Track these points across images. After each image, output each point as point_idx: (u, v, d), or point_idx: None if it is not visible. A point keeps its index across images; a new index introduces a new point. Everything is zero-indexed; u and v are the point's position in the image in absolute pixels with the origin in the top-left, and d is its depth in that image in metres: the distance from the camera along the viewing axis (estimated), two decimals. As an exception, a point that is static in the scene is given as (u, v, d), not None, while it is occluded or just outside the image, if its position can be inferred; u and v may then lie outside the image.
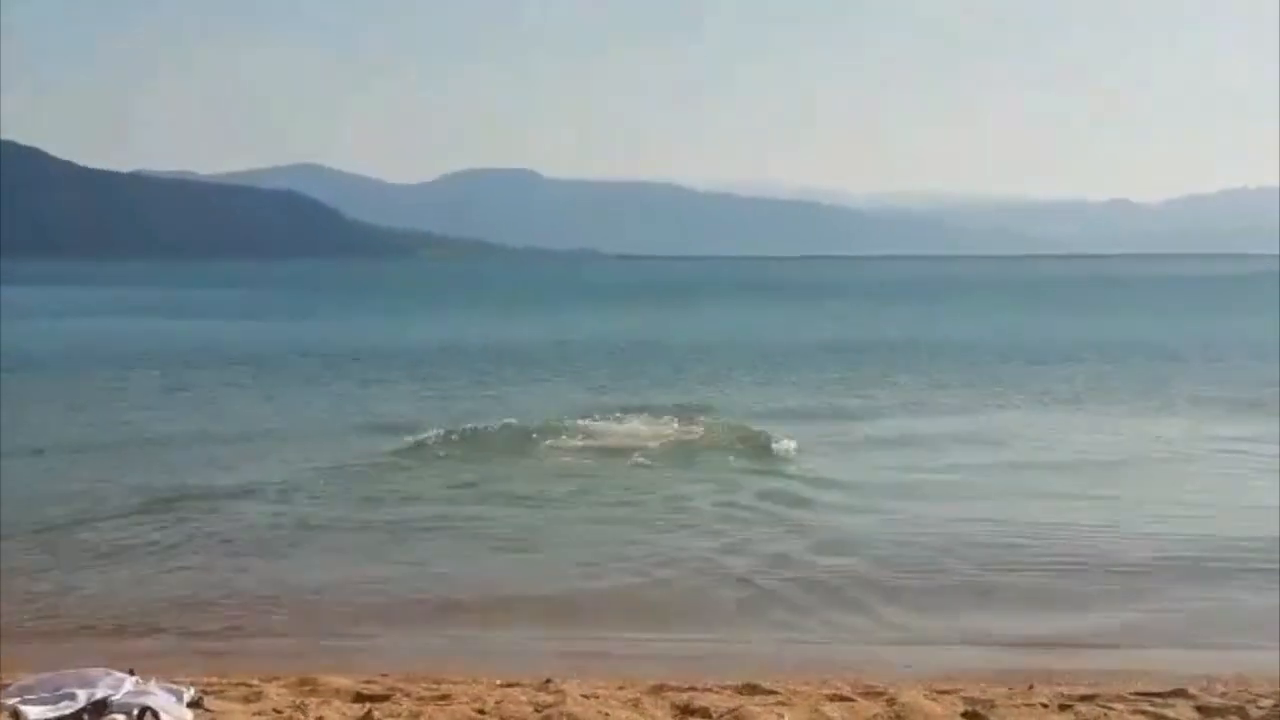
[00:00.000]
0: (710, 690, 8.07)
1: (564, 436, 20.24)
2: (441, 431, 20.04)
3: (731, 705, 7.68)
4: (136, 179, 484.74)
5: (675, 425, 21.37)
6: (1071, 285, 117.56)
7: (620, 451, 18.86)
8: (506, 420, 21.48)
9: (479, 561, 12.45)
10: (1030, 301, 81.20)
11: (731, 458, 18.55)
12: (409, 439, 19.65)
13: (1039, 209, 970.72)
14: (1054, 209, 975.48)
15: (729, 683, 8.27)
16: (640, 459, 18.30)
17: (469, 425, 20.84)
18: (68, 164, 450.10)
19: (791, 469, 17.53)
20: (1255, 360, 33.97)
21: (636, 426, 21.20)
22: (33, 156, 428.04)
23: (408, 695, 7.94)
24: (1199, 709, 7.69)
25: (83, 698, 6.86)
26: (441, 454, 18.85)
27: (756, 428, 20.73)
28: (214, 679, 8.23)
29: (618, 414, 22.67)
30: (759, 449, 18.91)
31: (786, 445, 18.95)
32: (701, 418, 22.27)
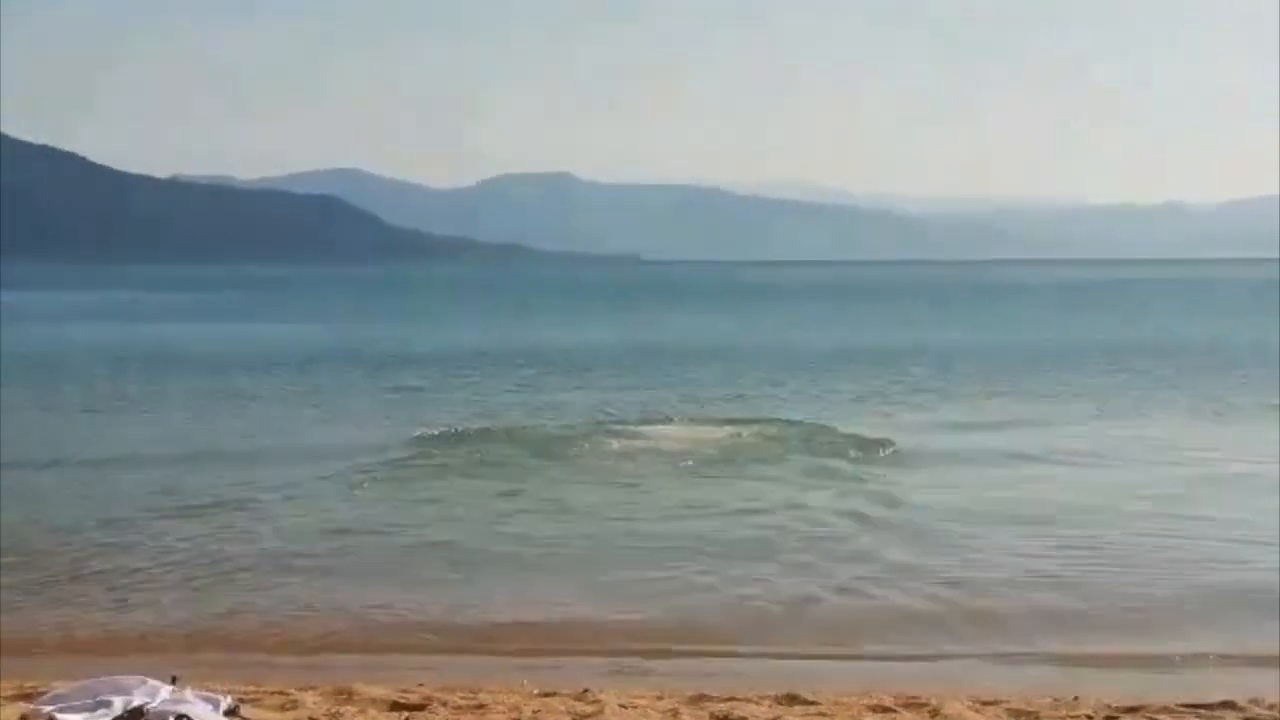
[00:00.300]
0: (750, 700, 7.99)
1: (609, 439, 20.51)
2: (483, 427, 20.27)
3: (772, 715, 7.60)
4: (174, 184, 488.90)
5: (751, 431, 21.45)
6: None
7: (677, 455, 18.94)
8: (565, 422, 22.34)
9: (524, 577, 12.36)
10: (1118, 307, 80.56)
11: (824, 461, 18.57)
12: (464, 449, 19.77)
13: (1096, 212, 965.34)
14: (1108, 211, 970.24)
15: (770, 692, 8.18)
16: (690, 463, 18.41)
17: (540, 425, 21.13)
18: (105, 169, 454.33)
19: (891, 480, 17.18)
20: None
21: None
22: (71, 161, 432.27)
23: (444, 704, 7.89)
24: (1245, 721, 7.56)
25: (119, 705, 6.85)
26: (494, 459, 18.94)
27: (849, 433, 20.68)
28: (251, 687, 8.19)
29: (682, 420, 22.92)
30: (857, 458, 18.59)
31: (887, 453, 18.86)
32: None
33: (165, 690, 7.08)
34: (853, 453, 18.90)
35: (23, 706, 7.10)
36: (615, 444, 19.80)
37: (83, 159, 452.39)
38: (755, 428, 21.66)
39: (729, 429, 21.43)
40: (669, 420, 22.50)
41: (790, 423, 22.20)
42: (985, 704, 8.01)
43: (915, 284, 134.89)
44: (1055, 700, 8.11)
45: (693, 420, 22.81)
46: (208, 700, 7.12)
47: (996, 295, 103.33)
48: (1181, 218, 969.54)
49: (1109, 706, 7.96)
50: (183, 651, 9.68)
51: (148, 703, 6.90)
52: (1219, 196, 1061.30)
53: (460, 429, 21.54)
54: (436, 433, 21.12)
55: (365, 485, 16.46)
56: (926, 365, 35.26)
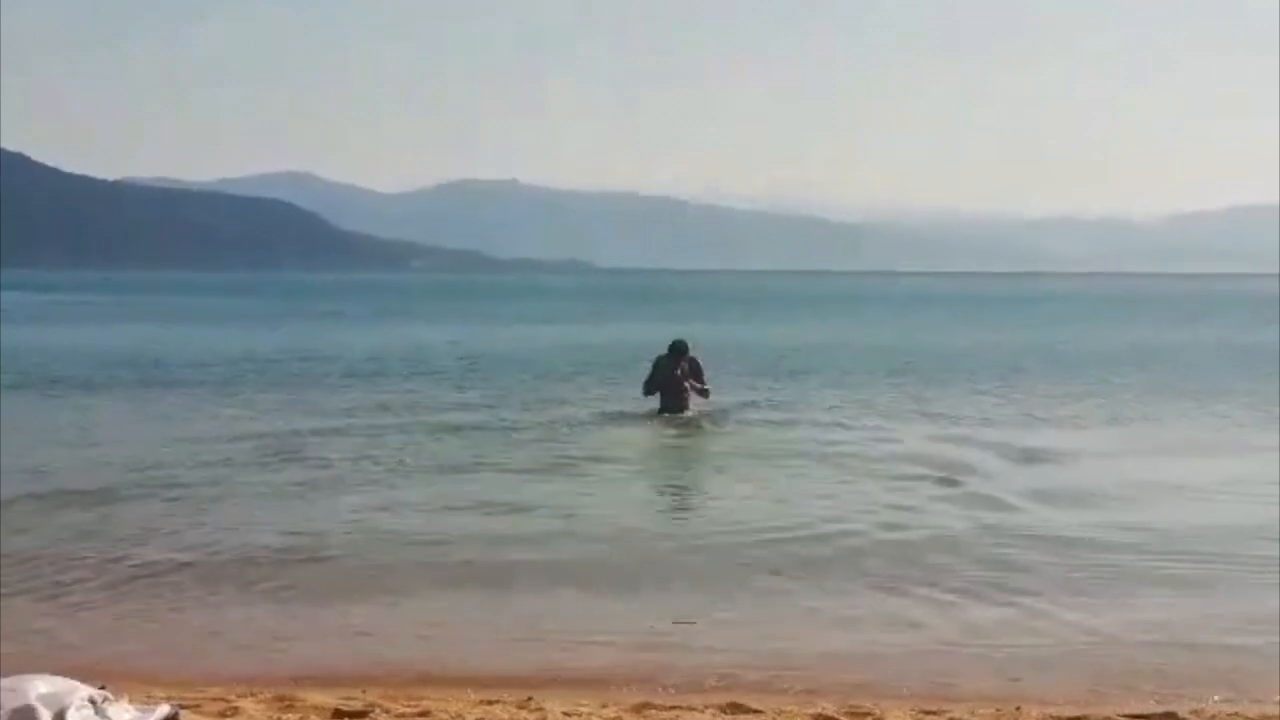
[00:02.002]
0: (694, 710, 7.99)
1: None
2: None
3: (711, 727, 7.60)
4: (121, 186, 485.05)
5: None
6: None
7: None
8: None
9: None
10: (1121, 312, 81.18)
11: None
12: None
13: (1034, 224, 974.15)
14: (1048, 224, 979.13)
15: (714, 701, 8.17)
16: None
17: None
18: (52, 170, 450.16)
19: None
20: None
21: None
22: (16, 162, 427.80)
23: (386, 712, 7.84)
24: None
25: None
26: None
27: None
28: (190, 694, 8.05)
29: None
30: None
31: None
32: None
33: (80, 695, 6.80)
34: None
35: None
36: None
37: (27, 158, 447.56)
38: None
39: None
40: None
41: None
42: (928, 713, 8.03)
43: (875, 295, 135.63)
44: (998, 710, 8.13)
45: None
46: (142, 713, 6.95)
47: (961, 304, 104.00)
48: (1126, 231, 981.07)
49: (1051, 716, 8.00)
50: (118, 658, 9.44)
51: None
52: (1166, 210, 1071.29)
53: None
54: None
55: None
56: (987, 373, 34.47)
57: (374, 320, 68.74)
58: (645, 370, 22.33)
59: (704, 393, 21.73)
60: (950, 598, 10.89)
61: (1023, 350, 44.19)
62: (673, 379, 21.54)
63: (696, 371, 21.73)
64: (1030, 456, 18.79)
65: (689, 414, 21.58)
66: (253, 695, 8.19)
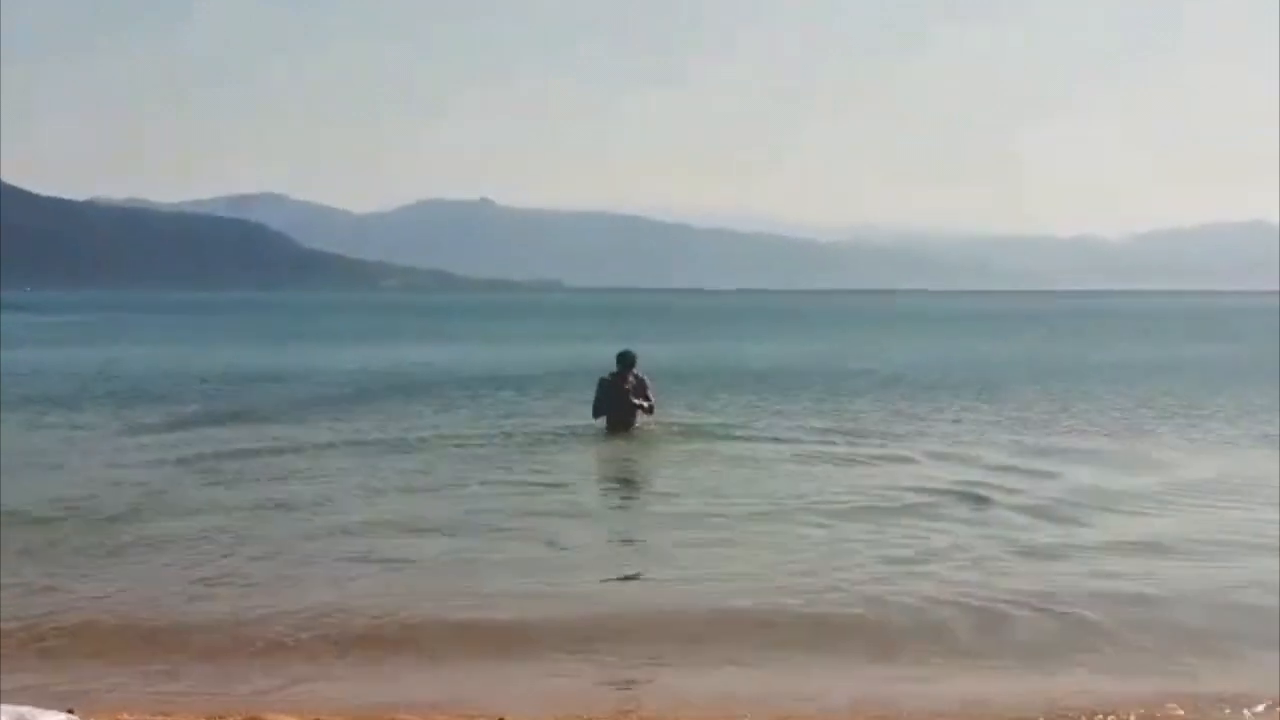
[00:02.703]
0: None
1: None
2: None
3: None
4: (91, 206, 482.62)
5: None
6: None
7: None
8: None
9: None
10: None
11: None
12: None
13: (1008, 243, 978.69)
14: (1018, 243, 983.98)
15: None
16: None
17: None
18: (21, 191, 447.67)
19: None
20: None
21: None
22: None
23: (354, 734, 7.72)
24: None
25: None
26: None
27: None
28: (159, 718, 7.95)
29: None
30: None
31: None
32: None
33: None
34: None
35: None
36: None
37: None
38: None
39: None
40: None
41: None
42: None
43: (850, 314, 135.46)
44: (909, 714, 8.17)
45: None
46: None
47: (955, 321, 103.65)
48: (1094, 249, 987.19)
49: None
50: (89, 677, 9.28)
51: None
52: (1129, 230, 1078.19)
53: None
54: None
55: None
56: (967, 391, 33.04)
57: (334, 340, 68.03)
58: (590, 390, 21.92)
59: (649, 409, 21.31)
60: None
61: (1017, 364, 43.63)
62: (620, 394, 21.24)
63: (642, 388, 21.33)
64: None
65: (636, 428, 21.23)
66: (221, 717, 8.04)
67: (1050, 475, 17.60)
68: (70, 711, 6.96)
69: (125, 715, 7.75)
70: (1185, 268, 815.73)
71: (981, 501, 15.33)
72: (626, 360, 21.31)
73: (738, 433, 22.62)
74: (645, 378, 21.48)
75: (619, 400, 21.17)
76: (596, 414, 21.37)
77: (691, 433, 22.12)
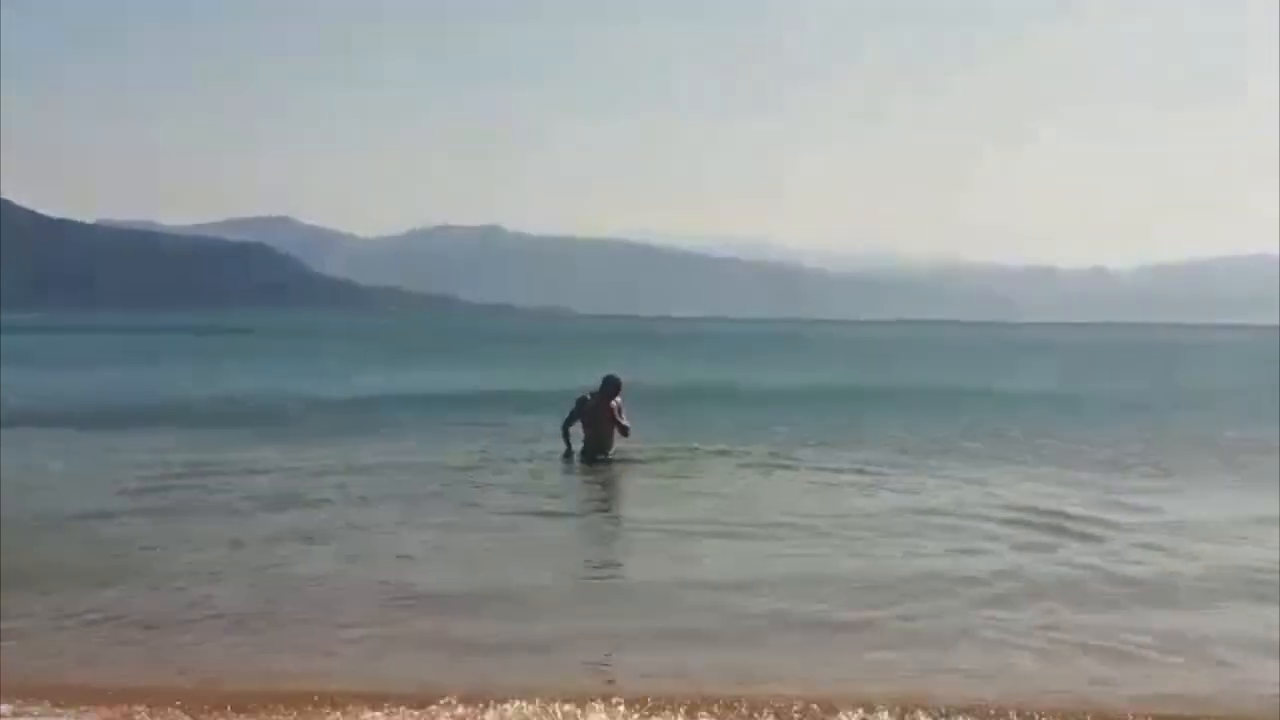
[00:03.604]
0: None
1: None
2: None
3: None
4: (99, 229, 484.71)
5: None
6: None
7: None
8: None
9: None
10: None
11: None
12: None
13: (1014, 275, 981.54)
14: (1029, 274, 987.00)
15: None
16: None
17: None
18: (30, 212, 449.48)
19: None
20: None
21: None
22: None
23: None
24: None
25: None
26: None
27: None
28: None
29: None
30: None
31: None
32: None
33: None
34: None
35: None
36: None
37: (5, 201, 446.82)
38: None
39: None
40: None
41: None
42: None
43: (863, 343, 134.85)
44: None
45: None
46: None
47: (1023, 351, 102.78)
48: (1103, 281, 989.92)
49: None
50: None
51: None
52: (1137, 261, 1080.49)
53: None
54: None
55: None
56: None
57: (338, 365, 67.36)
58: (568, 406, 21.42)
59: (625, 430, 20.96)
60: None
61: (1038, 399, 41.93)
62: (602, 416, 20.85)
63: (617, 411, 21.04)
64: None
65: (613, 453, 20.83)
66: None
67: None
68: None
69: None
70: (1187, 300, 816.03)
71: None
72: (610, 384, 21.12)
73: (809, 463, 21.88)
74: (621, 401, 21.25)
75: (600, 420, 20.96)
76: (565, 426, 21.19)
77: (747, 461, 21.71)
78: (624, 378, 21.52)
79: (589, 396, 21.12)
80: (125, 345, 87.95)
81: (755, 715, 7.99)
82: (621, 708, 8.04)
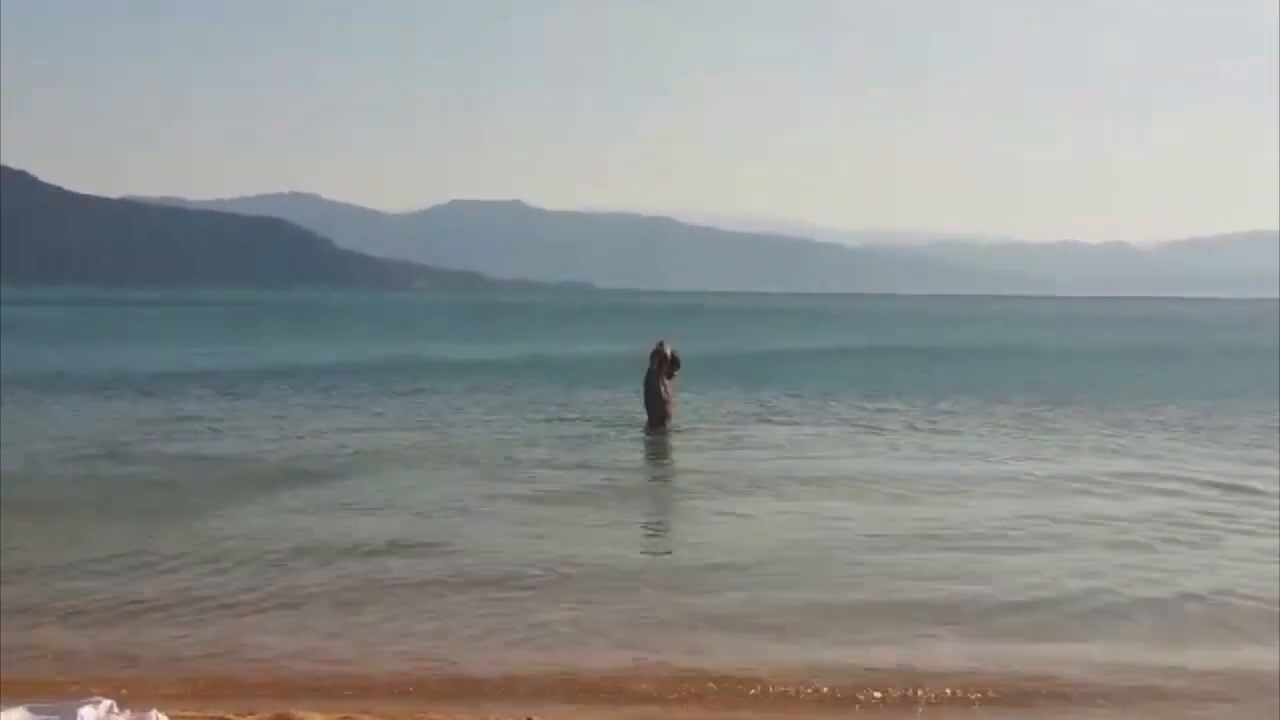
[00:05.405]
0: None
1: None
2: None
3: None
4: (125, 205, 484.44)
5: None
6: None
7: None
8: None
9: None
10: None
11: None
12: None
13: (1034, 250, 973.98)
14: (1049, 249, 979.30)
15: None
16: None
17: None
18: (56, 189, 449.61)
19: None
20: None
21: None
22: (21, 180, 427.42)
23: (385, 730, 7.71)
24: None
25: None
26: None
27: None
28: (191, 713, 7.98)
29: None
30: None
31: None
32: None
33: (100, 708, 6.91)
34: None
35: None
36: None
37: (32, 177, 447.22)
38: None
39: None
40: None
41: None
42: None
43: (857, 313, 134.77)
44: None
45: None
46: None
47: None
48: (1125, 256, 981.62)
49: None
50: (127, 667, 9.35)
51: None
52: (1159, 238, 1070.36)
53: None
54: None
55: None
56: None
57: (372, 338, 68.53)
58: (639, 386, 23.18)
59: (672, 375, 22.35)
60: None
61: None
62: (655, 390, 22.06)
63: (674, 364, 22.28)
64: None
65: (671, 423, 22.04)
66: (251, 714, 8.11)
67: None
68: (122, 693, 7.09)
69: (160, 704, 7.70)
70: (1211, 276, 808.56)
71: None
72: (657, 352, 22.22)
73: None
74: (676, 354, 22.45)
75: (654, 394, 22.20)
76: (646, 400, 22.60)
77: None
78: (672, 347, 22.52)
79: (649, 368, 22.26)
80: (160, 318, 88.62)
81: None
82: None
